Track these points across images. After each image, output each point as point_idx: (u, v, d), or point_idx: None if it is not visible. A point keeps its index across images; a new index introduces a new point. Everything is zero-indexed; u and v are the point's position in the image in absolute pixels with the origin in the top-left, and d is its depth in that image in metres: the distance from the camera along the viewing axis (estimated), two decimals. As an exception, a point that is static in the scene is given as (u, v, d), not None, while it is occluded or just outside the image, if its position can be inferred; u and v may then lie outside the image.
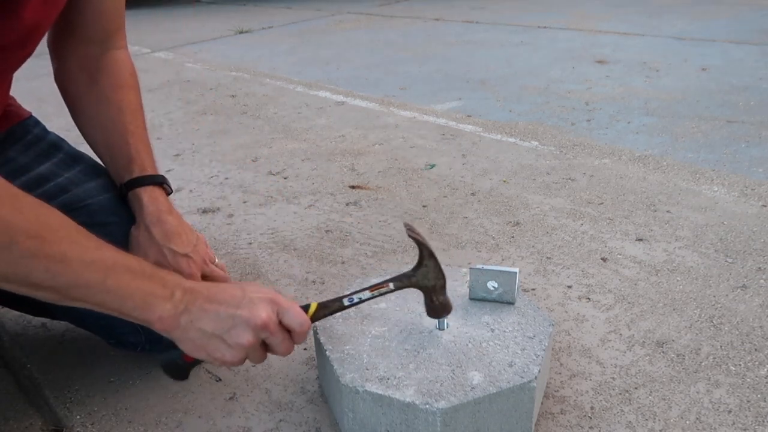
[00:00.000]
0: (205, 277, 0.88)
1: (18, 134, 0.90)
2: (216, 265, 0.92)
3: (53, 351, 1.01)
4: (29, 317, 1.08)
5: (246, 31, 4.44)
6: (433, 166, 1.74)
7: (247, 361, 0.89)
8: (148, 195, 0.87)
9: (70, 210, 0.89)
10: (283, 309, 0.68)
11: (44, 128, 0.96)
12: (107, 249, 0.62)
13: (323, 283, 1.17)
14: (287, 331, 0.69)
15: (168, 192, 0.91)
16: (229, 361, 0.67)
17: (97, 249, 0.61)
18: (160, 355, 0.83)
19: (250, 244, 1.34)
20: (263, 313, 0.66)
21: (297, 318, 0.68)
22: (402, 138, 1.99)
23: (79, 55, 0.90)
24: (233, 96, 2.62)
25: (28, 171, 0.88)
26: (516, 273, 0.84)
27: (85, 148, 0.97)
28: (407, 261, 1.24)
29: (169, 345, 0.92)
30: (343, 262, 1.24)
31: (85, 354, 1.00)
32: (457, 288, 0.91)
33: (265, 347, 0.69)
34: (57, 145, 0.95)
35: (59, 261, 0.57)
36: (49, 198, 0.88)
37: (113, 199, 0.91)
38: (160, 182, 0.89)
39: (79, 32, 0.89)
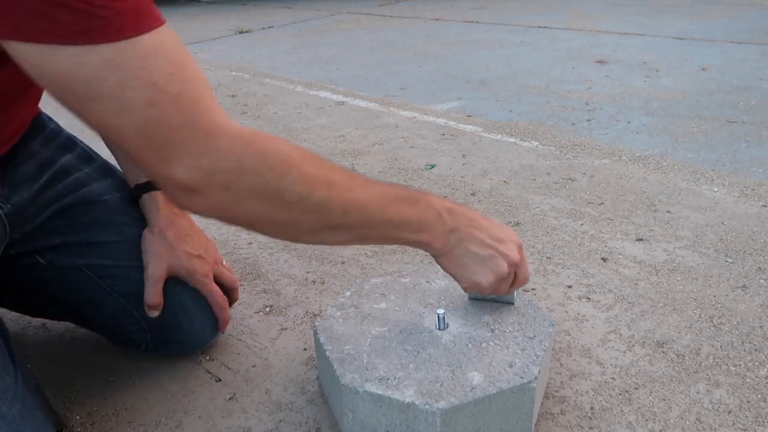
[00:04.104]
0: (215, 278, 0.90)
1: (38, 127, 0.90)
2: (223, 266, 0.94)
3: (53, 351, 1.01)
4: (29, 317, 1.08)
5: (246, 31, 4.44)
6: (433, 166, 1.74)
7: (253, 359, 0.89)
8: (162, 198, 0.89)
9: (89, 203, 0.91)
10: (524, 255, 0.78)
11: (57, 123, 0.97)
12: (373, 182, 0.65)
13: (323, 283, 1.17)
14: None
15: None
16: (481, 282, 0.73)
17: (368, 183, 0.64)
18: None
19: (250, 243, 1.34)
20: (517, 254, 0.74)
21: (527, 272, 0.80)
22: (402, 138, 1.99)
23: None
24: (233, 96, 2.62)
25: (53, 164, 0.89)
26: None
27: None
28: (407, 261, 1.24)
29: (174, 343, 0.93)
30: (343, 262, 1.24)
31: (85, 354, 1.00)
32: (457, 287, 0.91)
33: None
34: (73, 139, 0.96)
35: (350, 200, 0.61)
36: (69, 191, 0.90)
37: (124, 198, 0.93)
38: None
39: None
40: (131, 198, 0.92)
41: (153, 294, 0.85)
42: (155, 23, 0.51)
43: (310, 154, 0.60)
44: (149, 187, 0.90)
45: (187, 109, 0.52)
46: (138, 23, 0.49)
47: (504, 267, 0.73)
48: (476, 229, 0.71)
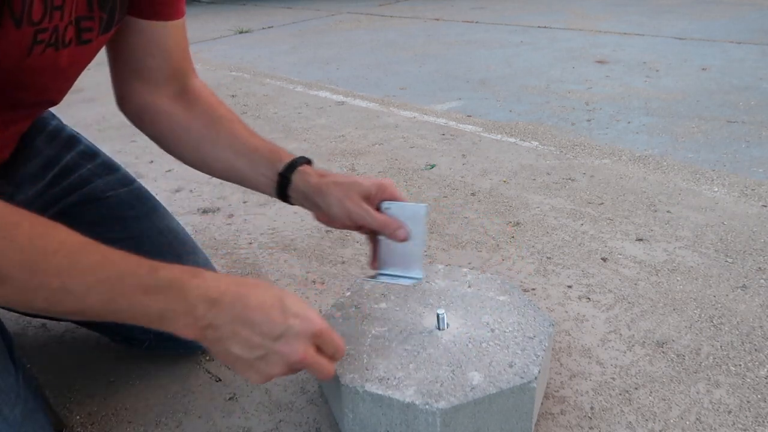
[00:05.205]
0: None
1: (40, 125, 0.90)
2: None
3: (53, 351, 1.01)
4: (29, 317, 1.08)
5: (246, 31, 4.44)
6: (433, 166, 1.74)
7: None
8: (312, 169, 0.81)
9: (93, 201, 0.90)
10: (327, 338, 0.64)
11: (60, 120, 0.97)
12: (113, 265, 0.56)
13: (323, 283, 1.17)
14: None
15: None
16: (252, 380, 0.63)
17: (101, 267, 0.55)
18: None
19: (251, 244, 1.34)
20: (301, 351, 0.61)
21: (336, 347, 0.65)
22: (402, 138, 1.99)
23: (165, 96, 0.85)
24: (233, 96, 2.62)
25: (57, 163, 0.89)
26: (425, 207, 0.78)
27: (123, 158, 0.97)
28: (407, 261, 1.24)
29: (177, 342, 0.93)
30: (343, 262, 1.24)
31: (85, 354, 1.00)
32: (457, 288, 0.91)
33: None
34: (76, 137, 0.96)
35: (58, 290, 0.53)
36: (73, 190, 0.90)
37: (131, 192, 0.93)
38: (307, 161, 0.84)
39: (153, 84, 0.84)
40: (282, 195, 0.82)
41: (376, 219, 0.76)
42: None
43: (27, 232, 0.52)
44: (295, 165, 0.80)
45: None
46: None
47: (277, 369, 0.61)
48: (242, 326, 0.59)
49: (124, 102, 0.86)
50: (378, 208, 0.78)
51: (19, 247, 0.51)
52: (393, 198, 0.78)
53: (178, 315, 0.57)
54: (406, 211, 0.77)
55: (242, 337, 0.59)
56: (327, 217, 0.79)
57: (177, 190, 1.65)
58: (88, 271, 0.54)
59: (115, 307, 0.55)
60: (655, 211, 1.41)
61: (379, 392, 0.71)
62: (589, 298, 1.09)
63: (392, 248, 0.79)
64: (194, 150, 0.85)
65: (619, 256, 1.22)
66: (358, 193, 0.76)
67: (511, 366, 0.74)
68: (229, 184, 1.66)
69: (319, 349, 0.64)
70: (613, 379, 0.89)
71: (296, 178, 0.79)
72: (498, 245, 1.29)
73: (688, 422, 0.81)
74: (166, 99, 0.85)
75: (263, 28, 4.56)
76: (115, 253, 0.56)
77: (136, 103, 0.85)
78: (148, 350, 0.96)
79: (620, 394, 0.86)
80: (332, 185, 0.77)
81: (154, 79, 0.84)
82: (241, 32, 4.41)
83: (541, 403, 0.84)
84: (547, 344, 0.78)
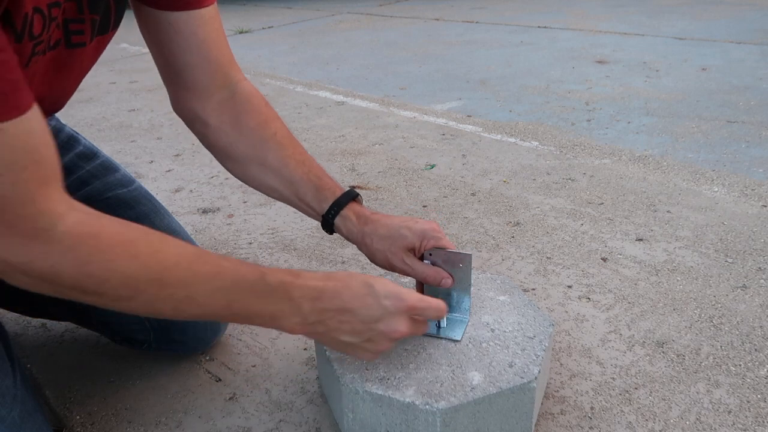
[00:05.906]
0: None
1: None
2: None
3: (53, 351, 1.01)
4: (29, 317, 1.08)
5: (246, 31, 4.44)
6: (433, 166, 1.74)
7: (253, 359, 0.88)
8: (355, 213, 0.82)
9: (91, 203, 0.90)
10: (420, 311, 0.68)
11: (59, 120, 0.96)
12: (227, 273, 0.60)
13: (323, 283, 1.17)
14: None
15: (360, 200, 0.86)
16: (366, 359, 0.71)
17: (218, 276, 0.59)
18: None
19: (250, 244, 1.34)
20: (402, 327, 0.66)
21: (436, 312, 0.69)
22: (402, 138, 1.99)
23: (212, 108, 0.84)
24: (233, 96, 2.62)
25: None
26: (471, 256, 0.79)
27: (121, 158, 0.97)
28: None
29: (177, 343, 0.93)
30: (343, 262, 1.24)
31: (85, 354, 1.00)
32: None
33: None
34: (75, 137, 0.95)
35: (184, 299, 0.58)
36: (71, 191, 0.88)
37: (131, 193, 0.92)
38: (353, 197, 0.84)
39: (199, 88, 0.83)
40: (329, 229, 0.84)
41: (419, 273, 0.79)
42: (3, 115, 0.46)
43: (146, 248, 0.56)
44: (337, 209, 0.82)
45: (8, 211, 0.49)
46: None
47: (384, 345, 0.67)
48: (345, 316, 0.64)
49: (176, 109, 0.86)
50: (422, 256, 0.80)
51: (143, 264, 0.55)
52: (438, 246, 0.78)
53: (287, 315, 0.63)
54: (451, 257, 0.78)
55: (348, 326, 0.65)
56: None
57: (177, 190, 1.65)
58: (207, 280, 0.58)
59: (232, 311, 0.61)
60: (655, 211, 1.41)
61: (379, 392, 0.71)
62: (589, 298, 1.09)
63: (437, 290, 0.81)
64: (241, 171, 0.86)
65: (619, 256, 1.22)
66: (402, 247, 0.79)
67: (511, 366, 0.74)
68: (229, 183, 1.67)
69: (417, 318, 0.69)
70: (613, 379, 0.89)
71: (339, 223, 0.82)
72: (498, 245, 1.29)
73: (688, 422, 0.81)
74: (214, 111, 0.83)
75: (263, 28, 4.56)
76: (225, 261, 0.61)
77: (186, 113, 0.85)
78: (150, 351, 0.96)
79: (620, 394, 0.86)
80: (375, 239, 0.80)
81: (200, 83, 0.82)
82: (241, 32, 4.41)
83: (541, 403, 0.84)
84: (547, 344, 0.78)
